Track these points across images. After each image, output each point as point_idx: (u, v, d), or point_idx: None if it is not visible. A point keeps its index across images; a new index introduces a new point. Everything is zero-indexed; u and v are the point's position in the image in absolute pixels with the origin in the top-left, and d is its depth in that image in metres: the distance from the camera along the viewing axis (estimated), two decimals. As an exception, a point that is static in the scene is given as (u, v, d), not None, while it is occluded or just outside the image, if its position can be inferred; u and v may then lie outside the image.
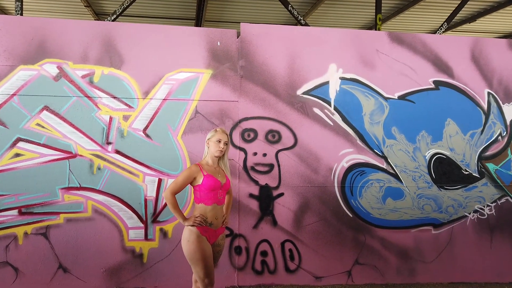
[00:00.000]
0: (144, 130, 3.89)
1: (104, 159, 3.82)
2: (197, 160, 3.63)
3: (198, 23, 8.19)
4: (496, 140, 4.53)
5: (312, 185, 4.18)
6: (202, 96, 3.99)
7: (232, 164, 4.03)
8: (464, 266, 4.41)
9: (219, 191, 2.98)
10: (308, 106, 4.18)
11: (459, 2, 7.29)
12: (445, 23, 7.51)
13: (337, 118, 4.24)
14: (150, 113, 3.89)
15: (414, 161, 4.39)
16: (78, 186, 3.79)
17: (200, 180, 2.93)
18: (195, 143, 3.93)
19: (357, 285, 4.24)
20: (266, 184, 4.10)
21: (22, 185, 3.70)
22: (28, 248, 3.73)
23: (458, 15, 7.56)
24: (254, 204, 4.08)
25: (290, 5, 6.57)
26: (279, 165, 4.12)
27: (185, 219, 2.92)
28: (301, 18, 6.60)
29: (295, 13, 6.56)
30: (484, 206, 4.48)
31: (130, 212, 3.86)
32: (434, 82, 4.43)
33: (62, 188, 3.77)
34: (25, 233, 3.72)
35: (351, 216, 4.26)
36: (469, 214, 4.46)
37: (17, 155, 3.70)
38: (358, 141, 4.28)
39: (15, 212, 3.69)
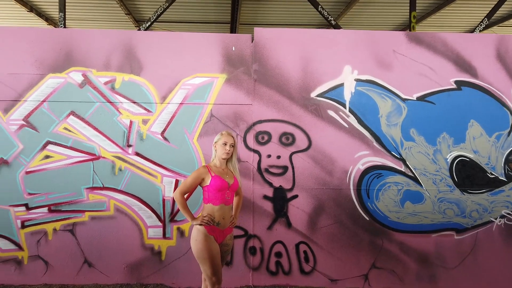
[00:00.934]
0: (162, 133, 4.07)
1: (125, 161, 4.04)
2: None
3: (232, 27, 8.32)
4: (525, 142, 4.31)
5: (326, 187, 4.18)
6: (217, 100, 4.11)
7: (246, 166, 4.11)
8: (490, 274, 4.21)
9: (227, 191, 3.08)
10: (322, 109, 4.19)
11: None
12: (486, 18, 7.12)
13: (352, 120, 4.20)
14: (167, 117, 4.07)
15: (435, 164, 4.26)
16: (101, 186, 4.03)
17: (208, 181, 3.04)
18: (210, 145, 4.03)
19: (374, 289, 4.18)
20: (280, 186, 4.15)
21: (51, 184, 4.00)
22: (56, 243, 4.01)
23: (498, 11, 7.19)
24: (268, 206, 4.14)
25: (320, 6, 6.55)
26: (293, 167, 4.16)
27: (193, 218, 3.04)
28: (332, 19, 6.56)
29: (325, 13, 6.54)
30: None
31: (149, 211, 4.05)
32: (456, 82, 4.28)
33: (87, 188, 4.02)
34: (54, 229, 4.01)
35: (367, 219, 4.20)
36: (495, 219, 4.26)
37: (47, 157, 4.00)
38: (375, 143, 4.22)
39: (45, 209, 3.99)
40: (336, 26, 6.35)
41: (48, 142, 4.00)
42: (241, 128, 4.12)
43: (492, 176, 4.28)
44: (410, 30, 6.56)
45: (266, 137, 4.15)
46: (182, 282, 4.06)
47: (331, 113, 4.20)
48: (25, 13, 7.95)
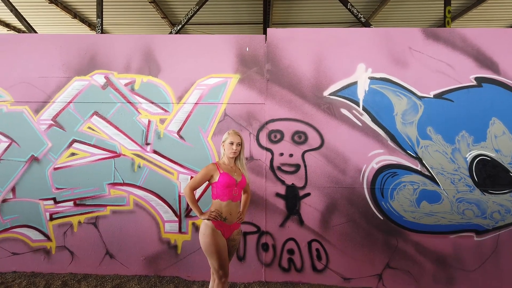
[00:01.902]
0: (178, 132, 4.23)
1: (144, 158, 4.24)
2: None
3: (265, 27, 8.34)
4: (552, 141, 4.09)
5: (339, 186, 4.18)
6: (231, 100, 4.22)
7: (259, 164, 4.19)
8: (512, 277, 4.05)
9: (234, 188, 3.18)
10: (335, 107, 4.19)
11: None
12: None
13: (366, 118, 4.18)
14: (183, 116, 4.23)
15: (453, 163, 4.14)
16: (122, 182, 4.25)
17: (216, 178, 3.16)
18: (224, 144, 4.17)
19: (388, 289, 4.14)
20: (293, 184, 4.19)
21: (77, 180, 4.27)
22: (81, 235, 4.28)
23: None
24: (280, 203, 4.20)
25: (349, 4, 6.49)
26: (305, 166, 4.19)
27: (201, 213, 3.16)
28: (361, 16, 6.47)
29: (355, 11, 6.48)
30: (537, 213, 4.07)
31: (166, 206, 4.23)
32: (476, 79, 4.13)
33: (109, 184, 4.26)
34: (79, 222, 4.28)
35: (381, 218, 4.16)
36: (519, 221, 4.08)
37: (73, 154, 4.28)
38: (389, 142, 4.17)
39: (71, 203, 4.27)
40: (366, 24, 6.24)
41: (74, 141, 4.28)
42: (254, 127, 4.20)
43: (515, 176, 4.11)
44: (445, 26, 6.36)
45: (278, 136, 4.21)
46: (197, 275, 4.20)
47: (344, 111, 4.19)
48: (69, 20, 8.36)
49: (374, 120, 4.18)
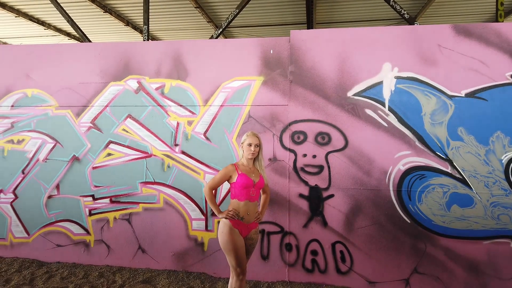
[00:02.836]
0: (205, 133, 4.39)
1: (173, 159, 4.45)
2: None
3: (309, 27, 8.33)
4: None
5: (364, 187, 4.12)
6: (255, 101, 4.31)
7: (282, 165, 4.24)
8: (554, 289, 3.77)
9: (252, 189, 3.25)
10: (359, 108, 4.14)
11: None
12: None
13: (392, 119, 4.08)
14: (209, 118, 4.38)
15: (487, 165, 3.93)
16: (153, 181, 4.50)
17: (235, 178, 3.25)
18: (248, 145, 4.27)
19: (415, 295, 4.01)
20: (316, 185, 4.20)
21: (112, 179, 4.57)
22: (116, 230, 4.58)
23: None
24: (304, 204, 4.22)
25: (392, 0, 6.34)
26: (329, 167, 4.18)
27: (220, 212, 3.27)
28: (405, 13, 6.28)
29: (398, 7, 6.31)
30: None
31: (193, 205, 4.41)
32: (513, 75, 3.90)
33: (141, 182, 4.52)
34: (114, 218, 4.58)
35: (408, 221, 4.05)
36: None
37: (109, 154, 4.59)
38: (417, 143, 4.04)
39: (107, 200, 4.58)
40: (410, 20, 6.03)
41: (110, 142, 4.59)
42: (277, 128, 4.26)
43: (558, 180, 3.82)
44: (497, 20, 6.02)
45: (301, 137, 4.23)
46: (222, 272, 4.34)
47: (369, 112, 4.12)
48: (122, 27, 8.89)
49: (400, 120, 4.07)
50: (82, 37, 6.90)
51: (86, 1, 6.90)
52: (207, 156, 4.38)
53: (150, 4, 7.24)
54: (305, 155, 4.22)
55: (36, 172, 4.73)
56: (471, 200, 3.97)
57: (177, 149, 4.45)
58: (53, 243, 4.71)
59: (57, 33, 9.29)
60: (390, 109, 4.09)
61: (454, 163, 3.99)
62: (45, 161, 4.71)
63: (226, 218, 3.21)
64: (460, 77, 3.98)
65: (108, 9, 7.67)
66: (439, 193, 4.01)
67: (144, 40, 5.78)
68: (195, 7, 7.54)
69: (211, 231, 4.38)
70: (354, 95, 4.16)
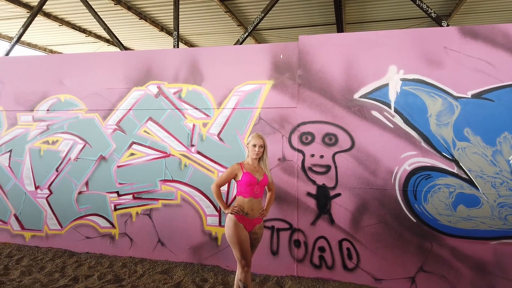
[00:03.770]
0: (218, 134, 4.67)
1: (189, 158, 4.76)
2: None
3: (339, 28, 8.39)
4: None
5: (370, 187, 4.24)
6: (265, 104, 4.54)
7: (291, 165, 4.44)
8: None
9: (256, 186, 3.48)
10: (366, 109, 4.26)
11: None
12: None
13: (398, 120, 4.18)
14: (222, 120, 4.66)
15: (494, 166, 3.95)
16: (171, 179, 4.83)
17: (240, 176, 3.49)
18: (259, 145, 4.50)
19: (420, 293, 4.09)
20: (323, 184, 4.36)
21: (135, 176, 4.95)
22: (138, 224, 4.95)
23: None
24: (311, 202, 4.39)
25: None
26: (336, 167, 4.33)
27: (226, 207, 3.52)
28: (432, 11, 6.25)
29: (424, 6, 6.31)
30: None
31: (208, 201, 4.69)
32: (521, 76, 3.89)
33: (160, 180, 4.87)
34: (137, 213, 4.95)
35: (414, 221, 4.13)
36: None
37: (132, 154, 4.97)
38: (423, 144, 4.11)
39: (130, 197, 4.97)
40: (437, 19, 5.99)
41: (133, 143, 4.97)
42: (286, 129, 4.47)
43: None
44: None
45: (309, 138, 4.41)
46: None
47: (375, 113, 4.24)
48: (157, 33, 9.33)
49: (406, 121, 4.16)
50: (117, 44, 7.38)
51: (123, 9, 7.37)
52: (220, 155, 4.66)
53: (183, 10, 7.59)
54: (312, 155, 4.40)
55: (68, 170, 5.20)
56: (477, 201, 3.99)
57: (193, 149, 4.76)
58: (83, 235, 5.15)
59: (97, 40, 9.90)
60: (396, 111, 4.19)
61: (460, 164, 4.03)
62: (76, 160, 5.16)
63: (231, 213, 3.46)
64: (467, 79, 4.02)
65: (144, 16, 8.11)
66: (445, 193, 4.07)
67: (174, 45, 6.13)
68: (225, 12, 7.81)
69: (224, 226, 4.63)
70: (361, 97, 4.29)
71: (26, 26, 6.40)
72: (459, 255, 4.02)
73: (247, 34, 7.17)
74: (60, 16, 8.29)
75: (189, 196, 4.77)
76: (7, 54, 6.45)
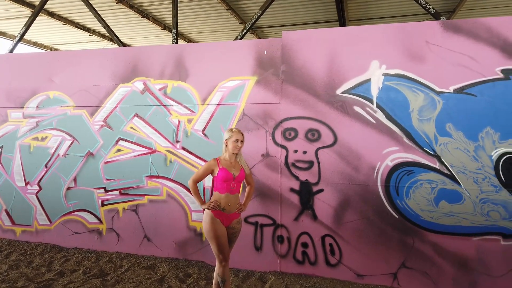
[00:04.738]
0: (203, 130, 4.69)
1: (174, 154, 4.79)
2: (245, 155, 4.22)
3: (341, 25, 8.32)
4: None
5: (353, 183, 4.23)
6: (248, 100, 4.54)
7: (274, 161, 4.44)
8: (546, 287, 3.69)
9: (232, 182, 3.48)
10: (348, 105, 4.25)
11: None
12: None
13: (380, 115, 4.16)
14: (207, 116, 4.67)
15: (476, 161, 3.91)
16: (157, 175, 4.86)
17: (216, 172, 3.50)
18: (242, 141, 4.51)
19: (401, 289, 4.07)
20: (306, 180, 4.36)
21: (121, 172, 4.99)
22: (125, 220, 4.99)
23: None
24: (294, 198, 4.39)
25: None
26: (318, 162, 4.32)
27: (202, 203, 3.53)
28: (430, 7, 6.18)
29: (423, 2, 6.24)
30: None
31: (193, 197, 4.72)
32: (503, 71, 3.85)
33: (146, 176, 4.90)
34: (123, 209, 5.00)
35: (396, 217, 4.11)
36: (556, 226, 3.70)
37: (118, 150, 5.01)
38: (405, 139, 4.09)
39: (117, 192, 5.01)
40: (436, 15, 5.93)
41: (120, 139, 5.01)
42: (269, 125, 4.47)
43: (551, 176, 3.73)
44: None
45: (292, 133, 4.41)
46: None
47: (357, 109, 4.23)
48: (159, 31, 9.35)
49: (388, 117, 4.14)
50: (117, 42, 7.43)
51: (124, 8, 7.39)
52: (205, 152, 4.68)
53: (185, 8, 7.59)
54: (296, 151, 4.40)
55: (57, 166, 5.26)
56: (459, 196, 3.97)
57: (178, 145, 4.79)
58: (71, 231, 5.21)
59: (101, 39, 9.95)
60: (378, 106, 4.17)
61: (442, 159, 4.00)
62: (65, 156, 5.22)
63: (208, 208, 3.47)
64: (449, 73, 3.99)
65: (146, 14, 8.13)
66: (427, 189, 4.04)
67: (172, 43, 6.15)
68: (226, 9, 7.81)
69: (208, 222, 4.66)
70: (343, 92, 4.27)
71: (28, 25, 6.46)
72: (441, 251, 4.00)
73: (245, 31, 7.15)
74: (63, 15, 8.34)
75: (174, 192, 4.80)
76: (11, 52, 6.52)
